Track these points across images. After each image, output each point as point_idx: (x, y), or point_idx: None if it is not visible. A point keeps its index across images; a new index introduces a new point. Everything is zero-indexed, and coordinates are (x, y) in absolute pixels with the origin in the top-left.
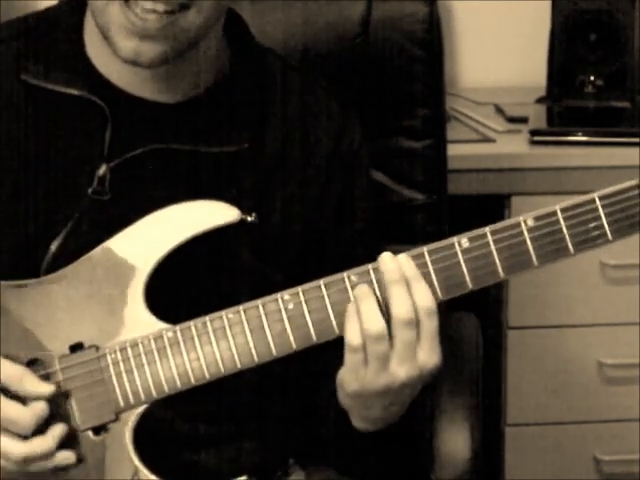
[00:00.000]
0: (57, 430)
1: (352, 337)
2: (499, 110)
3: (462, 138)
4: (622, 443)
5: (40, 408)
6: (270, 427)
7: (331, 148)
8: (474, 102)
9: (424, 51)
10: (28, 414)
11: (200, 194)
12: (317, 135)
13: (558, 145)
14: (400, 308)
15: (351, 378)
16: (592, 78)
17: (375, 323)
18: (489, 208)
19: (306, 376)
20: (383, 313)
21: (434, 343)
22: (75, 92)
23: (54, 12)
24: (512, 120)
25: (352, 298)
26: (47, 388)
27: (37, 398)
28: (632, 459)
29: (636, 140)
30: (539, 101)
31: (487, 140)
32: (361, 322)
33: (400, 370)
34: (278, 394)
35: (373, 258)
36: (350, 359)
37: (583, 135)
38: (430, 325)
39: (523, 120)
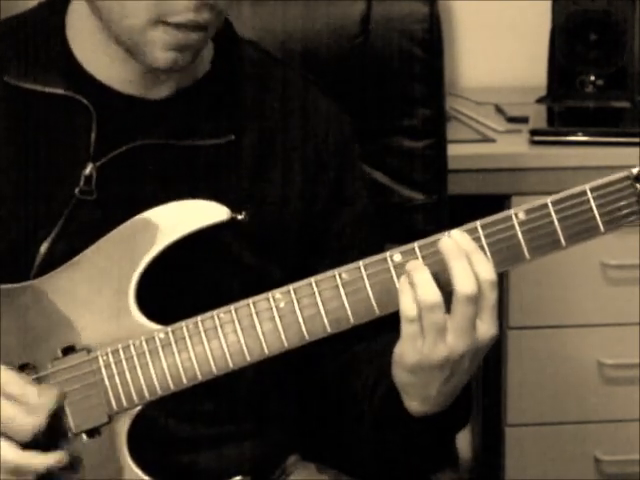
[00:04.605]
0: (56, 457)
1: (407, 308)
2: (499, 110)
3: (462, 138)
4: (622, 443)
5: (43, 417)
6: (269, 426)
7: (320, 139)
8: (474, 102)
9: (424, 51)
10: (30, 422)
11: (189, 189)
12: (305, 126)
13: (558, 145)
14: (464, 283)
15: (409, 350)
16: (592, 78)
17: (430, 293)
18: (489, 208)
19: (329, 370)
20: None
21: (494, 314)
22: (59, 91)
23: (34, 13)
24: (512, 120)
25: (343, 295)
26: (54, 397)
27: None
28: (632, 459)
29: (636, 140)
30: (539, 101)
31: (487, 140)
32: (416, 292)
33: (459, 342)
34: (277, 393)
35: (372, 249)
36: (406, 330)
37: (583, 135)
38: (492, 297)
39: (523, 120)
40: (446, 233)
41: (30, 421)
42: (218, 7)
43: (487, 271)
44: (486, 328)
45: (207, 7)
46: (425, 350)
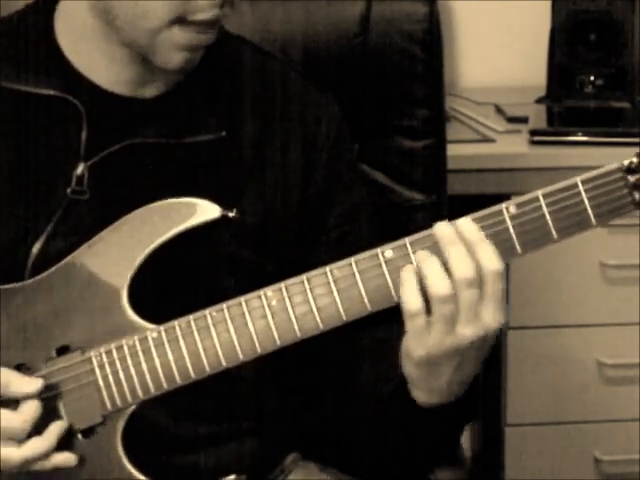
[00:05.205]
0: (53, 430)
1: (409, 301)
2: (499, 110)
3: (462, 138)
4: (622, 443)
5: (30, 409)
6: (269, 424)
7: (310, 133)
8: (474, 102)
9: (424, 51)
10: (18, 419)
11: (182, 186)
12: (295, 120)
13: (558, 145)
14: (461, 267)
15: (416, 344)
16: (592, 78)
17: (442, 285)
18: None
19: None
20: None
21: (499, 304)
22: (49, 92)
23: (21, 15)
24: (512, 120)
25: (335, 292)
26: (33, 385)
27: (26, 398)
28: (632, 459)
29: (636, 140)
30: (539, 101)
31: (487, 140)
32: (427, 285)
33: (466, 330)
34: (277, 391)
35: (368, 240)
36: (411, 325)
37: (583, 135)
38: (496, 287)
39: (523, 120)
40: (442, 223)
41: (18, 416)
42: (233, 2)
43: (492, 260)
44: (491, 318)
45: (227, 2)
46: (432, 342)
